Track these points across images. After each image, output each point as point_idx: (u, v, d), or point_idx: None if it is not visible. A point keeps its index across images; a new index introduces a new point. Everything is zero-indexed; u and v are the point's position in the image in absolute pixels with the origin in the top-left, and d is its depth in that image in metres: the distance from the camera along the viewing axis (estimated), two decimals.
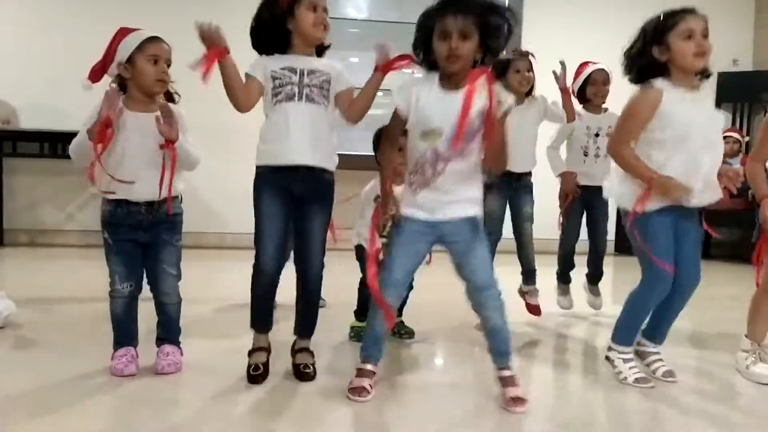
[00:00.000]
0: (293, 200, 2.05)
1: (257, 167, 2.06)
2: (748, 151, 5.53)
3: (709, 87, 2.13)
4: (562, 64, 2.89)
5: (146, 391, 1.99)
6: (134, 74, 2.08)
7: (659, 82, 2.06)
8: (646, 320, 2.25)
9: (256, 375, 2.05)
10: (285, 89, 2.01)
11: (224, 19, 2.07)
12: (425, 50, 1.91)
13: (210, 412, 1.84)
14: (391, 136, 2.04)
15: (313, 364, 2.12)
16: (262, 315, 2.14)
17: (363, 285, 2.63)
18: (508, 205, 2.93)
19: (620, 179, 2.16)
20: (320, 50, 2.13)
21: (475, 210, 1.95)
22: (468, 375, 2.28)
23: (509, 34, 1.86)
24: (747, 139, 5.57)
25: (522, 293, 3.03)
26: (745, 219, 5.37)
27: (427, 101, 1.89)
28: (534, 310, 2.98)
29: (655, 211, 2.07)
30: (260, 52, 2.08)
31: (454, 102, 1.84)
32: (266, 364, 2.10)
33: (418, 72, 2.02)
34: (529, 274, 2.98)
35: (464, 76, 1.86)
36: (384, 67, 2.02)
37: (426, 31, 1.87)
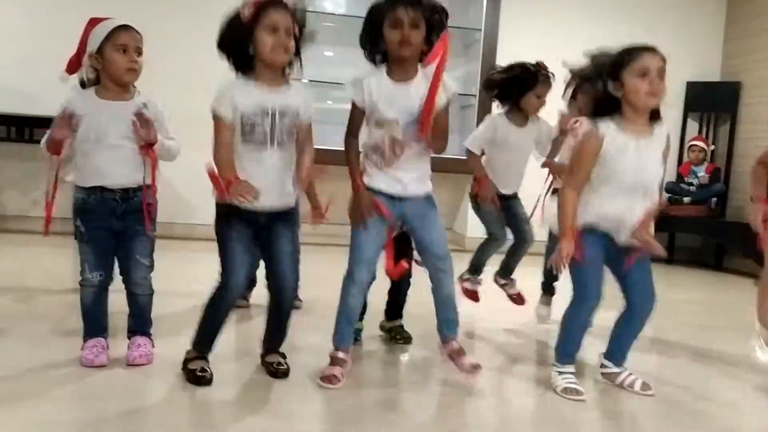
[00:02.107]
0: (258, 227, 2.01)
1: (218, 205, 1.99)
2: (713, 160, 5.68)
3: (660, 134, 2.10)
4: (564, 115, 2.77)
5: (116, 382, 1.97)
6: (104, 64, 2.06)
7: (603, 126, 2.04)
8: (608, 341, 2.25)
9: (203, 376, 1.95)
10: (256, 134, 1.93)
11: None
12: (372, 43, 2.03)
13: (181, 404, 1.83)
14: (354, 130, 2.09)
15: (285, 362, 2.10)
16: (211, 340, 2.04)
17: (392, 285, 2.60)
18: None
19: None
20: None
21: (429, 185, 2.12)
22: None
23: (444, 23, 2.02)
24: (713, 147, 5.70)
25: (498, 283, 3.02)
26: (707, 226, 5.51)
27: (379, 94, 2.01)
28: (518, 299, 2.98)
29: (589, 229, 2.08)
30: (237, 69, 1.98)
31: (405, 93, 2.00)
32: (211, 371, 1.99)
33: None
34: (508, 271, 2.98)
35: (412, 66, 2.02)
36: None
37: (376, 23, 1.99)
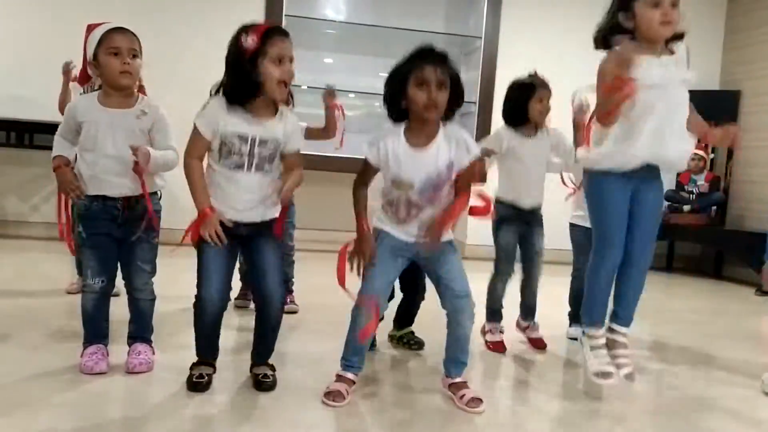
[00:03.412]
0: (239, 239, 1.99)
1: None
2: (713, 169, 5.69)
3: (682, 50, 2.04)
4: (584, 99, 2.68)
5: (116, 389, 1.96)
6: (100, 70, 2.06)
7: (624, 44, 1.99)
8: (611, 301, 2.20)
9: (198, 382, 1.96)
10: (233, 158, 1.91)
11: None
12: (394, 101, 1.95)
13: (180, 413, 1.82)
14: (364, 181, 2.05)
15: (274, 375, 2.06)
16: (209, 346, 2.05)
17: (407, 291, 2.59)
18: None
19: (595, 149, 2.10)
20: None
21: (449, 234, 2.03)
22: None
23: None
24: (712, 156, 5.71)
25: (521, 327, 2.86)
26: (706, 234, 5.51)
27: (396, 157, 1.96)
28: (538, 343, 2.80)
29: (609, 173, 2.02)
30: (226, 96, 1.93)
31: (423, 158, 1.95)
32: (210, 377, 2.01)
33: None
34: (529, 311, 2.82)
35: (431, 129, 1.96)
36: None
37: (401, 79, 1.91)
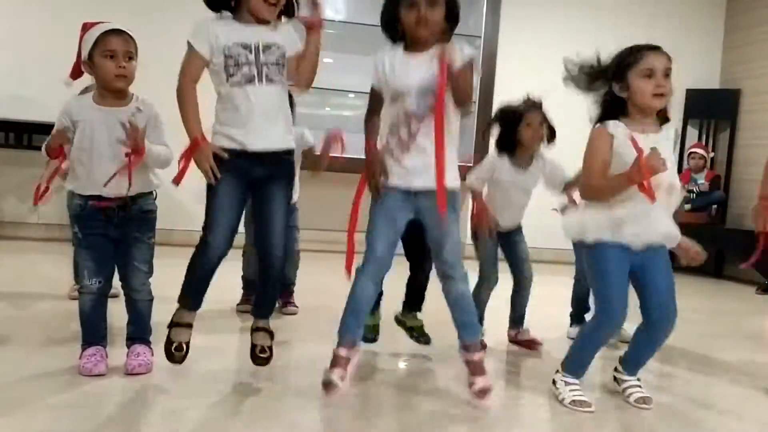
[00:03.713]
0: (251, 183, 1.99)
1: (213, 156, 1.94)
2: (713, 167, 5.68)
3: (671, 131, 2.08)
4: None
5: (115, 391, 1.95)
6: (94, 71, 2.05)
7: (611, 125, 2.00)
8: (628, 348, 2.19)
9: (178, 354, 1.98)
10: (242, 70, 1.91)
11: None
12: (392, 24, 1.96)
13: (180, 414, 1.80)
14: (374, 109, 2.04)
15: (270, 347, 2.07)
16: (197, 293, 2.03)
17: (414, 274, 2.53)
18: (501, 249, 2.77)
19: (580, 212, 2.11)
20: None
21: (451, 179, 1.95)
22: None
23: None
24: (712, 155, 5.71)
25: (512, 338, 2.82)
26: (707, 233, 5.50)
27: (392, 66, 1.96)
28: (532, 345, 2.78)
29: (609, 243, 2.00)
30: (211, 7, 1.98)
31: (417, 63, 1.92)
32: (188, 345, 2.02)
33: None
34: (518, 320, 2.80)
35: (428, 47, 1.93)
36: (316, 25, 1.99)
37: (392, 5, 1.93)
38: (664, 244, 2.06)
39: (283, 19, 2.01)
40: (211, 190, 1.95)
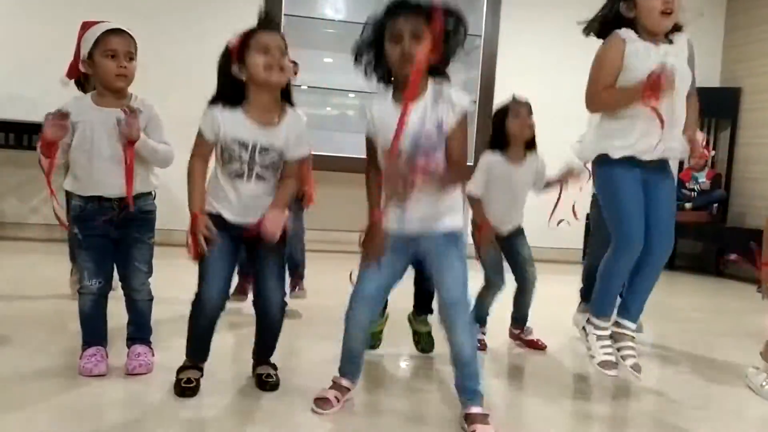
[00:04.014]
0: (243, 240, 1.97)
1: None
2: (714, 166, 5.68)
3: (685, 41, 2.06)
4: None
5: (115, 391, 1.95)
6: (94, 70, 2.04)
7: (623, 32, 1.98)
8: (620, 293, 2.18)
9: (187, 387, 1.92)
10: (233, 165, 1.91)
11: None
12: (377, 60, 1.81)
13: (180, 415, 1.80)
14: (371, 162, 1.88)
15: (276, 374, 2.05)
16: (201, 348, 2.03)
17: (416, 274, 2.47)
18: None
19: (590, 136, 2.09)
20: (287, 94, 1.98)
21: (455, 221, 1.84)
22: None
23: (464, 37, 1.78)
24: (713, 153, 5.70)
25: (515, 336, 2.83)
26: (708, 231, 5.50)
27: (381, 117, 1.81)
28: (537, 344, 2.78)
29: (618, 162, 1.98)
30: (220, 100, 1.93)
31: (412, 117, 1.74)
32: (198, 382, 1.97)
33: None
34: (521, 320, 2.80)
35: (420, 84, 1.76)
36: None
37: (377, 37, 1.78)
38: (675, 157, 2.05)
39: (288, 110, 1.96)
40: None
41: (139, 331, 2.15)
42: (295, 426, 1.79)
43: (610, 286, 2.10)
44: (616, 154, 2.03)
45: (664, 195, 2.07)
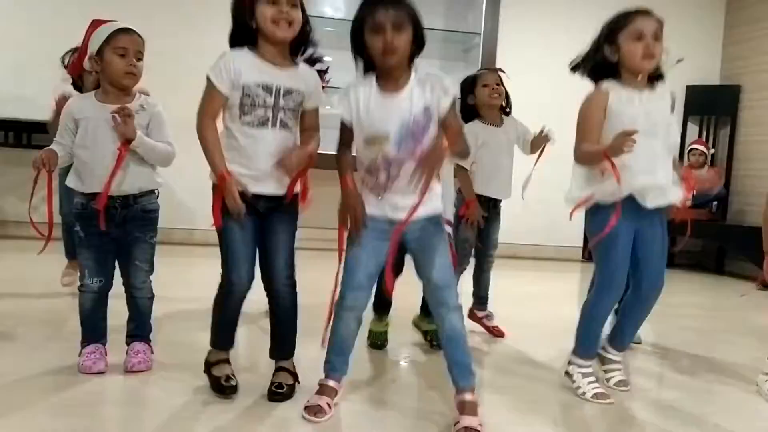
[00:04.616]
0: (258, 215, 1.91)
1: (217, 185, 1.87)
2: (714, 164, 5.67)
3: (667, 90, 2.12)
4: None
5: (114, 388, 1.95)
6: (103, 67, 2.05)
7: (606, 84, 2.07)
8: (609, 326, 2.24)
9: (229, 386, 1.90)
10: (257, 112, 1.84)
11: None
12: (359, 51, 1.83)
13: (180, 412, 1.81)
14: (344, 145, 1.89)
15: (291, 385, 1.97)
16: (228, 333, 2.00)
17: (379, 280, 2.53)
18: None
19: (578, 183, 2.14)
20: (298, 47, 1.95)
21: (436, 206, 1.86)
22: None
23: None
24: (713, 151, 5.70)
25: (477, 318, 2.88)
26: (708, 229, 5.50)
27: (367, 106, 1.81)
28: (497, 331, 2.85)
29: (612, 208, 2.03)
30: (232, 45, 1.90)
31: (395, 104, 1.79)
32: (235, 377, 1.95)
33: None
34: (483, 300, 2.89)
35: (403, 73, 1.80)
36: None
37: (358, 30, 1.79)
38: (664, 206, 2.09)
39: (300, 62, 1.95)
40: (223, 228, 1.88)
41: (139, 329, 2.15)
42: (290, 423, 1.79)
43: (592, 327, 2.16)
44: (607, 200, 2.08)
45: (657, 244, 2.12)
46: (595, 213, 2.09)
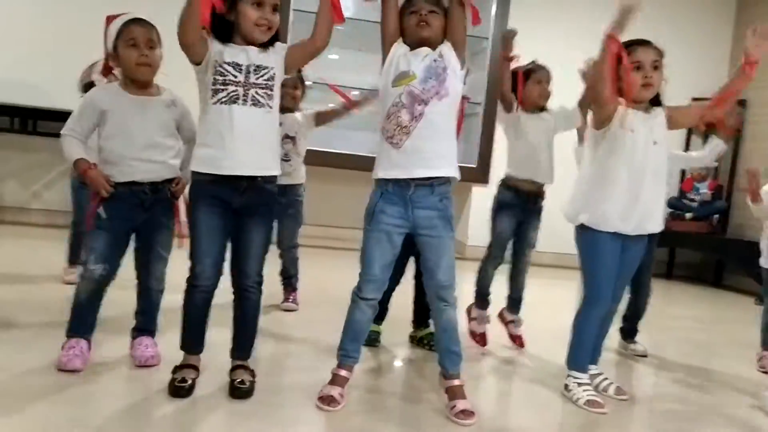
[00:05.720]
0: (232, 212, 1.90)
1: (194, 173, 1.90)
2: (716, 177, 5.67)
3: (658, 115, 2.15)
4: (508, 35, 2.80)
5: (117, 386, 1.95)
6: (119, 62, 2.04)
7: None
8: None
9: (181, 387, 1.86)
10: (228, 89, 1.83)
11: None
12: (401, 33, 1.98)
13: (183, 410, 1.80)
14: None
15: (252, 381, 1.94)
16: (197, 336, 1.96)
17: (417, 291, 2.60)
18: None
19: (575, 205, 2.19)
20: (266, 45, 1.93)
21: (452, 170, 1.95)
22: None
23: None
24: (715, 164, 5.68)
25: (504, 320, 2.85)
26: (708, 242, 5.50)
27: (399, 54, 1.95)
28: (517, 340, 2.82)
29: (605, 232, 2.11)
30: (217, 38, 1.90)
31: (426, 52, 1.94)
32: (194, 382, 1.91)
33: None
34: (516, 302, 2.81)
35: (432, 43, 1.94)
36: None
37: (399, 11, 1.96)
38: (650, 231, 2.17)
39: (277, 46, 1.94)
40: (194, 223, 1.89)
41: (148, 322, 2.13)
42: (290, 421, 1.79)
43: (583, 339, 2.20)
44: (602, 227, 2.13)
45: (631, 262, 2.20)
46: (585, 229, 2.14)
